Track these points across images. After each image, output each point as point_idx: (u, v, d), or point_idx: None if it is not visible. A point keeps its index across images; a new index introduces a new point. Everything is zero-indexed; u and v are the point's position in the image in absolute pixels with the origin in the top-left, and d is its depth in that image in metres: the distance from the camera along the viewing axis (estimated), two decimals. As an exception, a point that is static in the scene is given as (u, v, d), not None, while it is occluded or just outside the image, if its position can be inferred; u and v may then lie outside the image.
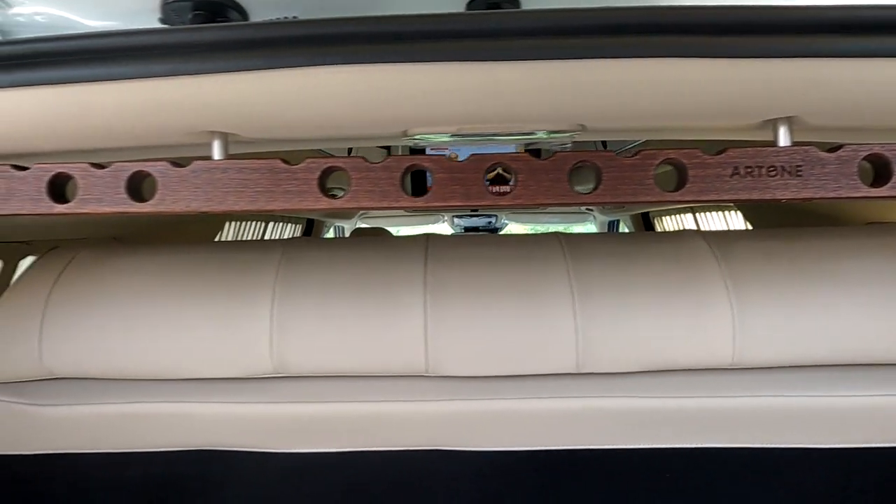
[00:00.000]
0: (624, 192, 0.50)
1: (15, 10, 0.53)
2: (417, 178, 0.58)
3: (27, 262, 1.14)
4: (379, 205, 0.51)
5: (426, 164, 0.51)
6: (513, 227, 3.97)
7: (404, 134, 0.55)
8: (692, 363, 0.68)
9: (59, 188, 0.53)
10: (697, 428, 0.70)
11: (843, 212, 1.34)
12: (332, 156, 0.52)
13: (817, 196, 0.49)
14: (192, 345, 0.69)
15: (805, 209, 1.47)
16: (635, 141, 1.67)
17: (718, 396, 0.68)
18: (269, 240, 0.77)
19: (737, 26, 0.44)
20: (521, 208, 0.52)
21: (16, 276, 1.12)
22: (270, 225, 2.41)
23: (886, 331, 0.67)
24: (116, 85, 0.46)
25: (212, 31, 0.45)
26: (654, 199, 0.50)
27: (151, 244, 0.79)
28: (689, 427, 0.70)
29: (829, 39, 0.43)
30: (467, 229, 3.87)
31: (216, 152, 0.53)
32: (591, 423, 0.70)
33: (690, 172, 0.50)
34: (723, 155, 0.50)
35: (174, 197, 0.52)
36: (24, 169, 0.52)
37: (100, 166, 0.52)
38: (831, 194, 0.49)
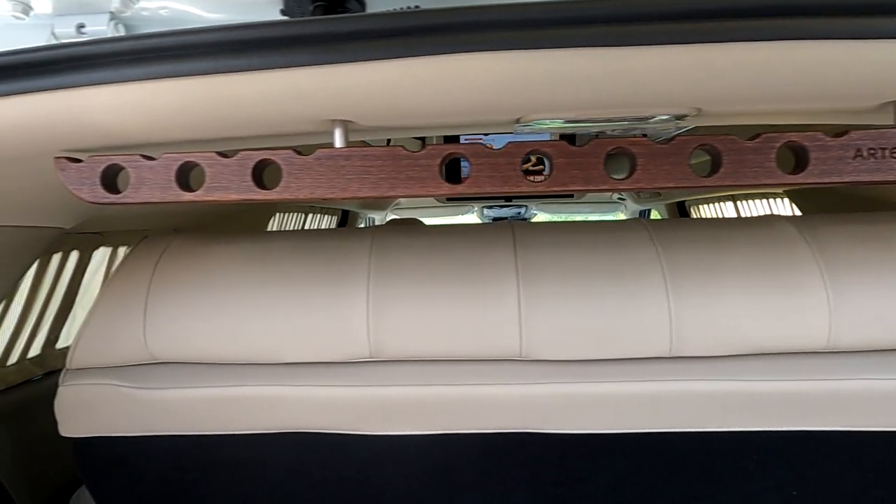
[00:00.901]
0: (745, 175, 0.50)
1: (140, 4, 0.55)
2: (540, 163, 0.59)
3: (100, 252, 1.17)
4: (500, 189, 0.52)
5: (547, 150, 0.52)
6: (541, 218, 3.96)
7: (518, 121, 0.56)
8: (786, 346, 0.69)
9: (186, 177, 0.55)
10: (789, 411, 0.70)
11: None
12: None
13: (943, 178, 0.50)
14: (290, 330, 0.71)
15: (856, 195, 1.46)
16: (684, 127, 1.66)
17: (813, 379, 0.68)
18: (358, 227, 0.79)
19: (870, 7, 0.44)
20: (641, 192, 0.52)
21: (94, 263, 1.15)
22: (309, 217, 2.44)
23: None
24: (246, 76, 0.47)
25: (346, 22, 0.46)
26: (775, 182, 0.50)
27: (239, 234, 0.81)
28: (781, 410, 0.70)
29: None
30: (496, 219, 3.87)
31: (338, 140, 0.54)
32: (681, 406, 0.71)
33: (812, 155, 0.50)
34: (845, 137, 0.50)
35: (298, 184, 0.53)
36: (153, 159, 0.54)
37: (225, 155, 0.54)
38: (957, 176, 0.49)
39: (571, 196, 2.87)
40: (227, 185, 0.54)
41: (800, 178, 0.50)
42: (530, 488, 0.77)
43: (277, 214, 1.95)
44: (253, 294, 0.72)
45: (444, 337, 0.70)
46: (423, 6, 0.56)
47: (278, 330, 0.71)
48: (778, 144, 0.50)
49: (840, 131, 0.50)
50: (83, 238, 1.08)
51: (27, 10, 0.54)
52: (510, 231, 0.77)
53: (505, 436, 0.74)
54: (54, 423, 0.94)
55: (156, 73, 0.47)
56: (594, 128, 0.58)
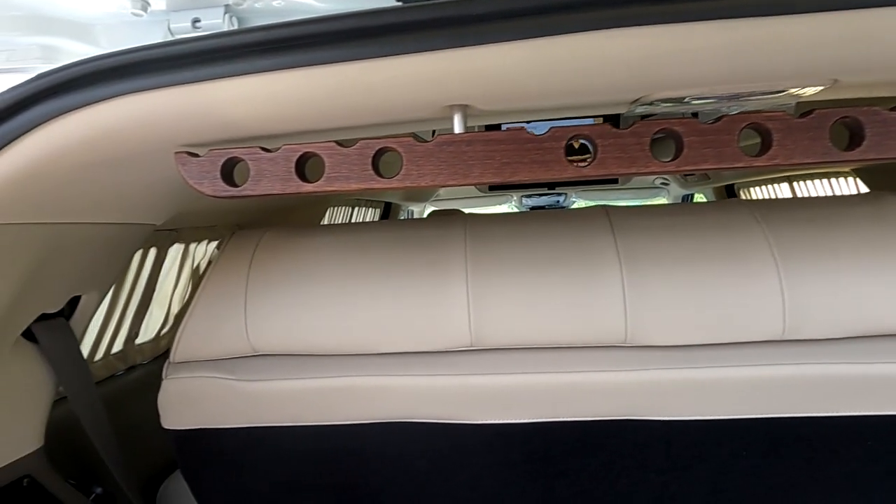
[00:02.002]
0: (891, 147, 0.48)
1: (254, -4, 0.55)
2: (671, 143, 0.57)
3: (175, 248, 1.19)
4: (628, 170, 0.51)
5: (677, 128, 0.50)
6: (581, 205, 3.91)
7: (637, 101, 0.55)
8: None
9: (304, 168, 0.55)
10: (908, 394, 0.68)
11: None
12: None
13: None
14: (390, 320, 0.71)
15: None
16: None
17: None
18: (449, 217, 0.78)
19: None
20: (778, 169, 0.51)
21: (169, 260, 1.17)
22: (355, 210, 2.45)
23: None
24: (378, 62, 0.47)
25: (481, 4, 0.45)
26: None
27: (329, 226, 0.82)
28: (899, 393, 0.68)
29: None
30: (533, 208, 3.84)
31: (457, 126, 0.53)
32: (793, 390, 0.69)
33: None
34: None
35: (419, 171, 0.53)
36: (272, 151, 0.54)
37: (343, 144, 0.54)
38: None
39: (616, 181, 2.82)
40: (348, 175, 0.54)
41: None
42: (633, 476, 0.76)
43: (330, 208, 1.96)
44: (351, 285, 0.72)
45: (547, 324, 0.69)
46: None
47: (378, 320, 0.71)
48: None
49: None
50: (161, 235, 1.10)
51: (145, 6, 0.54)
52: (605, 216, 0.75)
53: (608, 423, 0.73)
54: (137, 416, 0.96)
55: (289, 63, 0.47)
56: (708, 105, 0.56)
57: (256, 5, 0.56)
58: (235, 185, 0.56)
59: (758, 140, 0.51)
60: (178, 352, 0.75)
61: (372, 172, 0.53)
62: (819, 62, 0.48)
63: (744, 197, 2.62)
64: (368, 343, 0.72)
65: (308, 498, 0.83)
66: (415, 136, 0.53)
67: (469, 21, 0.45)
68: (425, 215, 3.61)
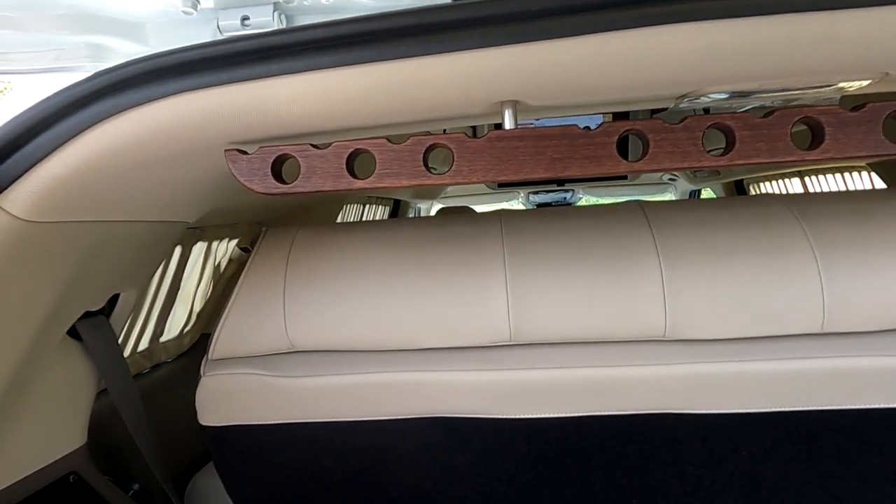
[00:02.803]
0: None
1: (303, -7, 0.55)
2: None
3: (198, 246, 1.19)
4: (680, 165, 0.51)
5: (729, 123, 0.51)
6: (587, 202, 3.92)
7: (685, 97, 0.55)
8: None
9: (354, 165, 0.55)
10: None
11: None
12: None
13: None
14: (428, 316, 0.71)
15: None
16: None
17: None
18: (484, 212, 0.78)
19: None
20: (832, 162, 0.51)
21: (193, 258, 1.18)
22: (366, 207, 2.45)
23: None
24: (436, 59, 0.47)
25: (531, 1, 0.45)
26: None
27: (363, 223, 0.82)
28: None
29: None
30: (540, 205, 3.84)
31: (508, 121, 0.54)
32: (831, 383, 0.69)
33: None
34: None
35: (470, 167, 0.53)
36: (323, 147, 0.55)
37: (393, 141, 0.54)
38: None
39: (625, 178, 2.83)
40: (399, 171, 0.54)
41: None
42: (669, 470, 0.77)
43: (346, 205, 1.97)
44: (388, 281, 0.72)
45: (585, 319, 0.70)
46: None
47: (416, 316, 0.72)
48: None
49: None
50: (186, 233, 1.10)
51: (195, 4, 0.54)
52: (640, 210, 0.76)
53: (645, 417, 0.73)
54: (163, 413, 0.97)
55: (346, 61, 0.47)
56: (753, 102, 0.57)
57: (305, 3, 0.56)
58: (285, 183, 0.56)
59: (806, 133, 0.52)
60: (217, 349, 0.75)
61: (423, 168, 0.54)
62: (871, 56, 0.48)
63: (753, 192, 2.62)
64: (407, 339, 0.72)
65: (343, 494, 0.83)
66: (465, 132, 0.53)
67: (525, 17, 0.45)
68: (433, 213, 3.61)
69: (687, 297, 0.68)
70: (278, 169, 0.56)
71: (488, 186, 3.07)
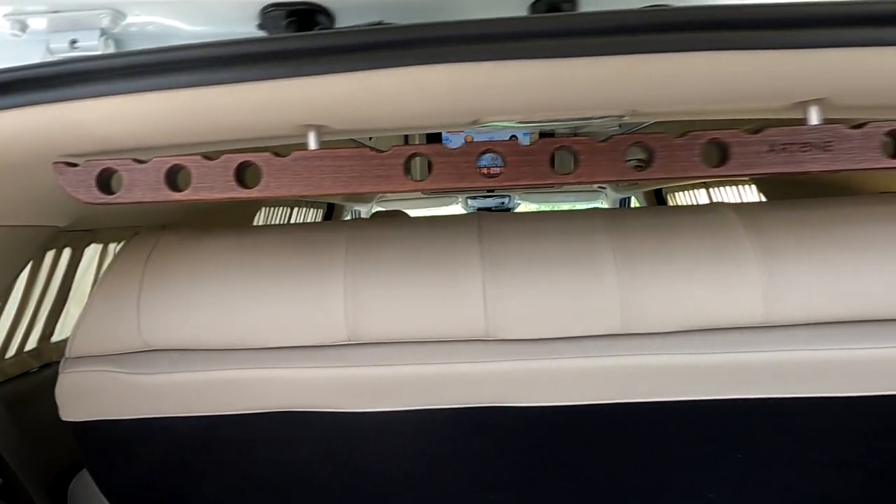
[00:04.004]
0: (674, 168, 0.57)
1: (128, 20, 0.60)
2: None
3: (91, 248, 1.22)
4: (458, 185, 0.58)
5: (498, 150, 0.58)
6: (525, 208, 4.03)
7: (475, 122, 0.62)
8: (727, 322, 0.76)
9: (174, 178, 0.60)
10: (732, 381, 0.77)
11: (852, 182, 1.40)
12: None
13: (845, 168, 0.56)
14: (273, 317, 0.77)
15: (816, 180, 1.54)
16: (642, 123, 1.73)
17: (751, 351, 0.76)
18: (335, 221, 0.84)
19: (772, 21, 0.50)
20: (584, 185, 0.59)
21: (86, 260, 1.20)
22: (295, 210, 2.48)
23: None
24: (229, 88, 0.53)
25: (317, 39, 0.52)
26: (700, 175, 0.57)
27: (223, 229, 0.87)
28: (724, 380, 0.77)
29: (851, 31, 0.50)
30: (480, 209, 3.93)
31: (312, 143, 0.60)
32: (634, 378, 0.77)
33: (732, 150, 0.57)
34: (761, 133, 0.57)
35: (277, 183, 0.59)
36: (144, 162, 0.60)
37: (210, 157, 0.60)
38: (857, 166, 0.56)
39: (552, 186, 2.94)
40: (212, 185, 0.59)
41: (722, 171, 0.56)
42: (503, 458, 0.84)
43: (263, 209, 2.00)
44: (238, 284, 0.78)
45: (416, 320, 0.77)
46: (387, 19, 0.62)
47: (263, 317, 0.77)
48: (703, 141, 0.57)
49: (757, 128, 0.57)
50: (75, 236, 1.13)
51: (24, 27, 0.58)
52: (476, 221, 0.83)
53: (476, 410, 0.80)
54: (52, 412, 1.00)
55: (148, 87, 0.52)
56: (545, 127, 0.64)
57: (132, 29, 0.61)
58: (111, 193, 0.61)
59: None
60: (74, 347, 0.79)
61: (235, 183, 0.59)
62: (615, 96, 0.56)
63: (670, 201, 2.76)
64: (253, 338, 0.77)
65: (205, 487, 0.88)
66: (273, 151, 0.59)
67: (307, 54, 0.51)
68: (368, 215, 3.66)
69: (504, 301, 0.75)
70: (106, 181, 0.61)
71: (422, 192, 3.13)
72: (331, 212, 2.95)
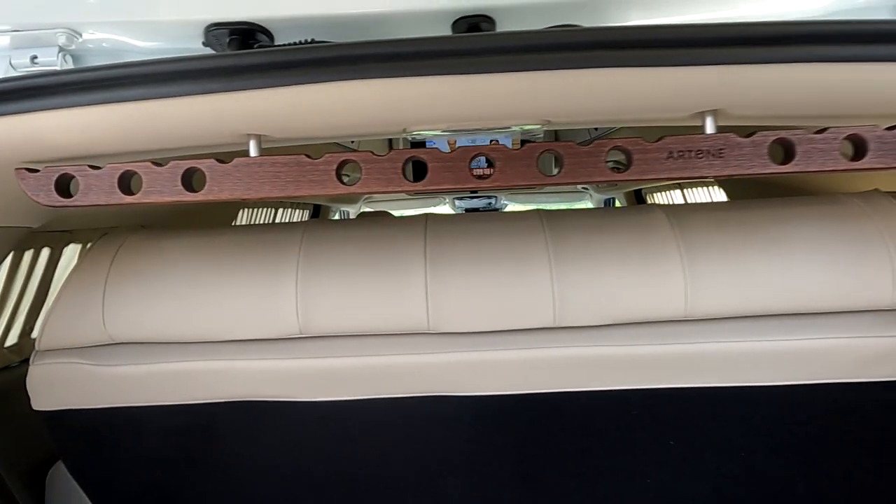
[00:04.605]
0: (582, 173, 0.62)
1: (84, 38, 0.65)
2: (418, 166, 0.70)
3: (70, 248, 1.27)
4: (385, 189, 0.64)
5: (423, 156, 0.63)
6: (513, 208, 4.09)
7: (404, 131, 0.68)
8: (652, 316, 0.81)
9: (126, 183, 0.66)
10: (658, 371, 0.83)
11: (811, 184, 1.46)
12: (347, 149, 0.64)
13: (736, 173, 0.62)
14: (230, 312, 0.82)
15: (778, 184, 1.59)
16: (611, 128, 1.79)
17: (673, 343, 0.81)
18: (292, 222, 0.90)
19: (666, 41, 0.56)
20: (500, 189, 0.64)
21: (65, 259, 1.25)
22: (280, 211, 2.54)
23: (816, 286, 0.80)
24: (171, 101, 0.58)
25: (248, 57, 0.57)
26: (605, 179, 0.62)
27: (187, 230, 0.92)
28: (650, 371, 0.82)
29: (740, 50, 0.55)
30: (468, 210, 3.99)
31: (252, 150, 0.65)
32: (567, 369, 0.83)
33: (635, 156, 0.62)
34: (660, 141, 0.62)
35: (220, 187, 0.64)
36: (99, 168, 0.65)
37: (159, 164, 0.65)
38: (747, 172, 0.61)
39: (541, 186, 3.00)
40: (161, 190, 0.65)
41: (624, 176, 0.62)
42: (448, 445, 0.89)
43: (245, 210, 2.05)
44: (198, 281, 0.83)
45: (363, 315, 0.82)
46: (320, 38, 0.67)
47: (221, 312, 0.82)
48: (607, 148, 0.62)
49: (658, 137, 0.62)
50: (53, 236, 1.18)
51: (-12, 44, 0.64)
52: (423, 222, 0.88)
53: (422, 399, 0.86)
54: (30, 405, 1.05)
55: (97, 100, 0.58)
56: (468, 135, 0.70)
57: (89, 45, 0.66)
58: (69, 196, 0.66)
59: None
60: (43, 340, 0.84)
61: (181, 188, 0.65)
62: (528, 108, 0.62)
63: (649, 201, 2.82)
64: (211, 332, 0.83)
65: (170, 474, 0.93)
66: (217, 157, 0.65)
67: (240, 71, 0.57)
68: (355, 216, 3.72)
69: (444, 297, 0.81)
70: (64, 185, 0.67)
71: (407, 193, 3.19)
72: (317, 213, 3.01)
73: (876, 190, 0.89)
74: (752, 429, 0.88)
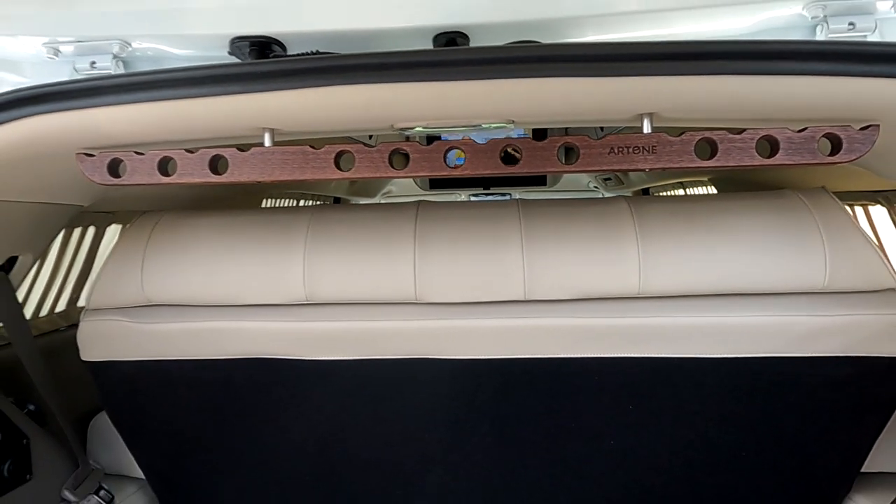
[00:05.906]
0: (537, 165, 0.74)
1: (134, 46, 0.79)
2: (404, 157, 0.82)
3: (112, 228, 1.43)
4: (373, 175, 0.77)
5: (406, 148, 0.76)
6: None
7: (391, 126, 0.81)
8: (610, 292, 0.93)
9: (164, 166, 0.80)
10: (616, 342, 0.94)
11: (789, 179, 1.55)
12: (355, 141, 0.77)
13: (667, 167, 0.73)
14: (247, 280, 0.96)
15: (764, 182, 1.68)
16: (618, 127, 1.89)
17: (629, 317, 0.92)
18: (302, 206, 1.04)
19: (608, 56, 0.67)
20: (469, 176, 0.76)
21: (108, 237, 1.42)
22: (302, 203, 2.70)
23: (758, 269, 0.90)
24: (201, 100, 0.72)
25: (262, 66, 0.70)
26: (556, 170, 0.74)
27: (213, 211, 1.06)
28: (609, 341, 0.94)
29: (669, 64, 0.67)
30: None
31: (267, 141, 0.78)
32: (536, 338, 0.95)
33: (581, 151, 0.74)
34: (604, 139, 0.74)
35: (240, 171, 0.78)
36: (142, 154, 0.79)
37: (191, 151, 0.79)
38: (675, 165, 0.73)
39: (544, 183, 3.11)
40: (192, 172, 0.79)
41: (572, 168, 0.74)
42: (432, 402, 1.02)
43: (267, 199, 2.21)
44: (220, 254, 0.97)
45: (360, 285, 0.95)
46: (325, 49, 0.80)
47: (239, 280, 0.96)
48: (558, 144, 0.74)
49: (603, 135, 0.74)
50: (98, 216, 1.34)
51: (57, 52, 0.78)
52: (415, 207, 1.01)
53: (409, 361, 0.99)
54: (77, 364, 1.21)
55: (142, 98, 0.72)
56: (457, 131, 0.82)
57: (137, 53, 0.80)
58: (118, 177, 0.81)
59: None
60: (92, 300, 1.00)
61: (208, 171, 0.79)
62: (496, 109, 0.74)
63: (656, 200, 2.90)
64: (230, 296, 0.97)
65: (196, 420, 1.08)
66: (238, 146, 0.78)
67: (255, 77, 0.70)
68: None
69: (430, 271, 0.94)
70: (113, 168, 0.81)
71: (420, 187, 3.32)
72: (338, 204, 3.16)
73: (822, 188, 0.99)
74: (703, 397, 0.99)
